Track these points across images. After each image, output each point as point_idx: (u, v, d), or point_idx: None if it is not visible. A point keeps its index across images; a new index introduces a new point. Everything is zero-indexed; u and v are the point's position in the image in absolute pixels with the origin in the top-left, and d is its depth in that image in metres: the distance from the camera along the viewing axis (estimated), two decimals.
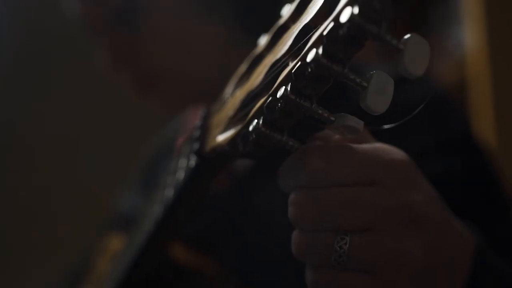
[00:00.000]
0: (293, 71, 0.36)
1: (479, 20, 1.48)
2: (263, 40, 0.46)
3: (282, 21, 0.44)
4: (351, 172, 0.39)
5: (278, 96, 0.37)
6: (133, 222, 0.78)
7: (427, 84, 0.72)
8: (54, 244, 1.63)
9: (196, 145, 0.47)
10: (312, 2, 0.39)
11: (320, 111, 0.37)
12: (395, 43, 0.34)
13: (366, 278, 0.39)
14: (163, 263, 0.69)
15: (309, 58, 0.34)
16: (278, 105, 0.37)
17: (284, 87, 0.36)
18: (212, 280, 0.70)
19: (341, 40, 0.33)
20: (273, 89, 0.37)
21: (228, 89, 0.49)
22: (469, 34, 1.52)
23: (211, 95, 0.59)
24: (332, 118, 0.37)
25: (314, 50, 0.34)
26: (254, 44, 0.48)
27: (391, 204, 0.39)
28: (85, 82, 1.59)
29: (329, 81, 0.35)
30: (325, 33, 0.34)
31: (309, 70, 0.35)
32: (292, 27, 0.41)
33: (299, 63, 0.35)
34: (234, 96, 0.46)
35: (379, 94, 0.35)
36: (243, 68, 0.48)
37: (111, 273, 0.78)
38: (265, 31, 0.47)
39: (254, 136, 0.39)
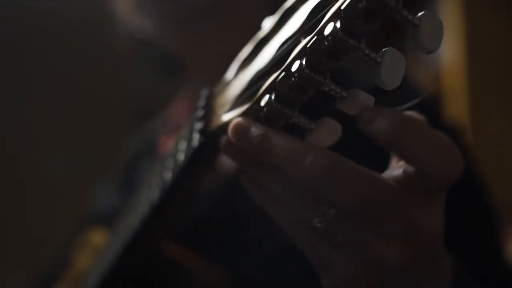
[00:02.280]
0: (308, 45, 0.36)
1: (456, 32, 1.51)
2: (268, 23, 0.46)
3: (289, 3, 0.44)
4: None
5: (292, 70, 0.37)
6: (113, 219, 0.77)
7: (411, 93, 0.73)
8: (29, 242, 1.60)
9: (200, 125, 0.46)
10: None
11: (333, 86, 0.37)
12: (411, 18, 0.35)
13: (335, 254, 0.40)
14: (150, 257, 0.69)
15: (327, 31, 0.35)
16: (292, 79, 0.37)
17: (299, 61, 0.37)
18: (199, 274, 0.69)
19: (360, 15, 0.34)
20: (286, 63, 0.38)
21: (231, 72, 0.49)
22: (446, 46, 1.55)
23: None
24: (344, 94, 0.38)
25: (332, 24, 0.35)
26: None
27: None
28: (60, 79, 1.58)
29: (344, 56, 0.36)
30: (343, 7, 0.34)
31: (326, 43, 0.35)
32: (301, 7, 0.42)
33: (315, 37, 0.36)
34: (238, 78, 0.46)
35: (392, 69, 0.36)
36: (246, 51, 0.48)
37: (93, 269, 0.77)
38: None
39: (265, 111, 0.39)
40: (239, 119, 0.41)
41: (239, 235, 0.75)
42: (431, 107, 0.81)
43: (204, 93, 0.50)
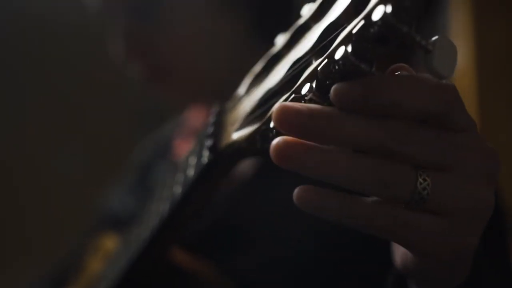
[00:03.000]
0: (319, 68, 0.36)
1: (467, 38, 1.51)
2: (281, 40, 0.46)
3: (302, 20, 0.44)
4: (438, 105, 0.35)
5: (302, 93, 0.37)
6: (126, 222, 0.77)
7: None
8: (41, 243, 1.61)
9: (210, 142, 0.46)
10: (337, 3, 0.40)
11: None
12: (424, 44, 0.34)
13: (440, 220, 0.36)
14: (160, 264, 0.69)
15: (338, 55, 0.35)
16: (301, 102, 0.37)
17: (309, 83, 0.37)
18: (208, 283, 0.70)
19: (371, 40, 0.34)
20: (297, 85, 0.38)
21: (243, 88, 0.49)
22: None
23: (222, 94, 0.59)
24: None
25: (343, 47, 0.35)
26: (268, 45, 0.48)
27: (478, 146, 0.37)
28: (74, 81, 1.58)
29: (356, 79, 0.36)
30: (354, 31, 0.34)
31: (336, 67, 0.35)
32: (314, 26, 0.41)
33: (326, 60, 0.36)
34: (250, 95, 0.46)
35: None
36: (258, 67, 0.48)
37: (104, 273, 0.77)
38: (280, 32, 0.47)
39: (274, 133, 0.39)
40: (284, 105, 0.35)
41: (249, 243, 0.75)
42: None
43: (215, 109, 0.50)
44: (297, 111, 0.35)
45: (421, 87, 0.36)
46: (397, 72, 0.37)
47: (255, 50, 0.56)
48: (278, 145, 0.35)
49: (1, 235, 1.67)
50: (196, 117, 0.92)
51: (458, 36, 1.53)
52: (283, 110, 0.35)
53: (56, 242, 1.30)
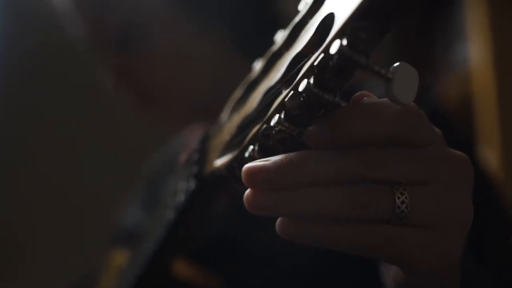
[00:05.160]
0: (285, 100, 0.37)
1: (484, 36, 1.49)
2: (258, 65, 0.47)
3: (275, 47, 0.44)
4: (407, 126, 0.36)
5: (272, 124, 0.37)
6: (136, 237, 0.79)
7: (427, 104, 0.73)
8: (56, 258, 1.64)
9: (195, 169, 0.47)
10: (304, 31, 0.40)
11: None
12: (383, 73, 0.35)
13: (423, 233, 0.36)
14: (166, 279, 0.70)
15: (301, 87, 0.35)
16: (272, 132, 0.38)
17: (278, 115, 0.37)
18: None
19: (331, 71, 0.34)
20: (267, 116, 0.38)
21: (225, 114, 0.50)
22: (474, 50, 1.53)
23: (211, 112, 0.61)
24: None
25: (305, 80, 0.35)
26: (252, 63, 0.49)
27: (448, 156, 0.38)
28: (90, 96, 1.61)
29: (320, 110, 0.36)
30: (316, 63, 0.35)
31: (301, 99, 0.36)
32: (285, 54, 0.42)
33: (292, 92, 0.36)
34: (231, 121, 0.47)
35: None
36: (239, 92, 0.49)
37: None
38: (263, 51, 0.48)
39: (251, 161, 0.40)
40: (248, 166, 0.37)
41: (255, 255, 0.76)
42: (445, 119, 0.80)
43: (200, 135, 0.51)
44: (263, 169, 0.36)
45: (385, 115, 0.36)
46: (360, 100, 0.37)
47: (238, 69, 0.57)
48: (247, 196, 0.36)
49: (16, 248, 1.71)
50: (194, 134, 0.94)
51: (475, 35, 1.52)
52: (249, 173, 0.36)
53: (72, 258, 1.33)
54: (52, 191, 1.72)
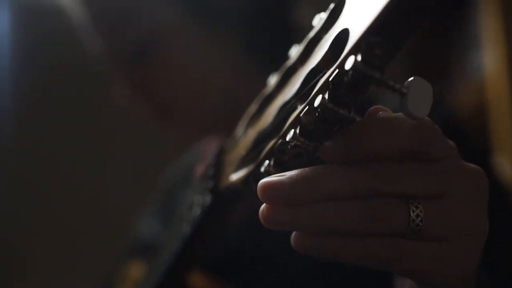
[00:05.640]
0: (301, 115, 0.37)
1: (499, 43, 1.48)
2: (273, 80, 0.47)
3: (290, 62, 0.45)
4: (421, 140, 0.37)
5: (287, 139, 0.38)
6: (152, 249, 0.79)
7: (441, 113, 0.73)
8: (74, 271, 1.64)
9: (210, 183, 0.48)
10: (319, 46, 0.40)
11: None
12: (398, 87, 0.35)
13: (437, 246, 0.37)
14: None
15: (316, 103, 0.35)
16: (288, 147, 0.38)
17: (293, 130, 0.37)
18: None
19: (346, 86, 0.34)
20: (282, 131, 0.38)
21: (240, 128, 0.50)
22: (489, 57, 1.52)
23: (226, 124, 0.62)
24: None
25: (320, 96, 0.35)
26: (267, 75, 0.49)
27: (462, 169, 0.38)
28: (108, 110, 1.62)
29: (336, 125, 0.36)
30: (330, 79, 0.35)
31: (316, 114, 0.36)
32: (300, 69, 0.42)
33: (307, 107, 0.36)
34: (246, 136, 0.47)
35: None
36: (254, 107, 0.49)
37: None
38: (278, 64, 0.48)
39: (267, 175, 0.40)
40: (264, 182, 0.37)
41: (267, 267, 0.76)
42: (460, 127, 0.80)
43: (216, 149, 0.51)
44: (279, 185, 0.36)
45: (399, 130, 0.36)
46: (374, 114, 0.37)
47: (252, 81, 0.58)
48: (263, 211, 0.36)
49: (30, 262, 1.72)
50: (210, 145, 0.94)
51: (489, 43, 1.51)
52: (265, 188, 0.36)
53: (89, 270, 1.33)
54: (69, 204, 1.73)
